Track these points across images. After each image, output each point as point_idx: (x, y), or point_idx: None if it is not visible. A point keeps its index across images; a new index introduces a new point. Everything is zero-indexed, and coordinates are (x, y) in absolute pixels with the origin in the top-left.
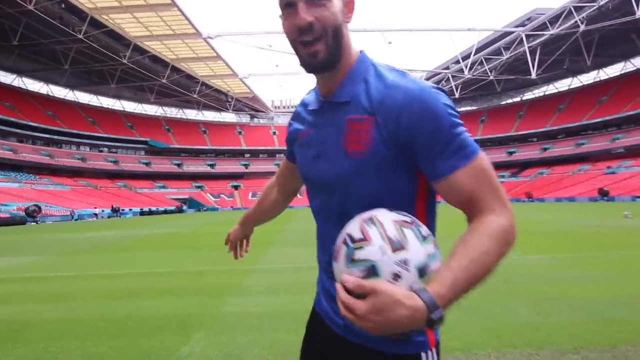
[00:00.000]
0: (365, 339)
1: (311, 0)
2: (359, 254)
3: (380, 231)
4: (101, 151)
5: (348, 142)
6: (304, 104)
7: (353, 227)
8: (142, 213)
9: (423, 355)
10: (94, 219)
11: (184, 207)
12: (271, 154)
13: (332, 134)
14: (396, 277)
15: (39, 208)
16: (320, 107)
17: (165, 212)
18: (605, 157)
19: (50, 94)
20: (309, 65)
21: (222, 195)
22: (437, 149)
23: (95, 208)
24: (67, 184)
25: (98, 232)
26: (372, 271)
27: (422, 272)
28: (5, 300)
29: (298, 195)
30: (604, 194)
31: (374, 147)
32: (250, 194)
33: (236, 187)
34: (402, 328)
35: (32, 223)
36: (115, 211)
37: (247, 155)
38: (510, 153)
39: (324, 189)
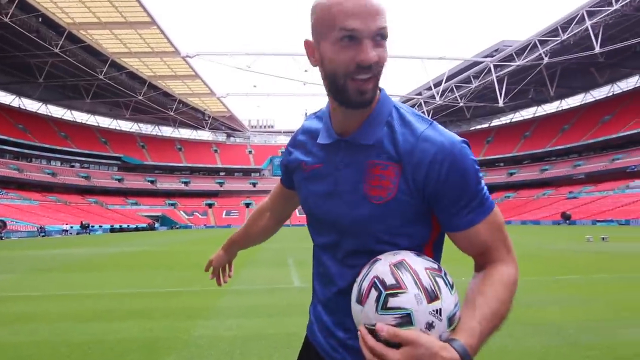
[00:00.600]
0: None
1: (377, 39)
2: (393, 302)
3: (415, 279)
4: (73, 166)
5: (369, 186)
6: (308, 133)
7: (383, 271)
8: (112, 230)
9: None
10: (62, 235)
11: (156, 225)
12: (246, 172)
13: (350, 176)
14: (430, 326)
15: (4, 223)
16: (334, 144)
17: (137, 229)
18: (567, 183)
19: (22, 107)
20: (351, 101)
21: (196, 213)
22: (461, 204)
23: (65, 224)
24: (36, 199)
25: (66, 249)
26: (406, 319)
27: (451, 321)
28: None
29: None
30: (566, 218)
31: (397, 194)
32: (224, 213)
33: (210, 205)
34: None
35: None
36: (84, 227)
37: (222, 173)
38: None
39: (335, 228)
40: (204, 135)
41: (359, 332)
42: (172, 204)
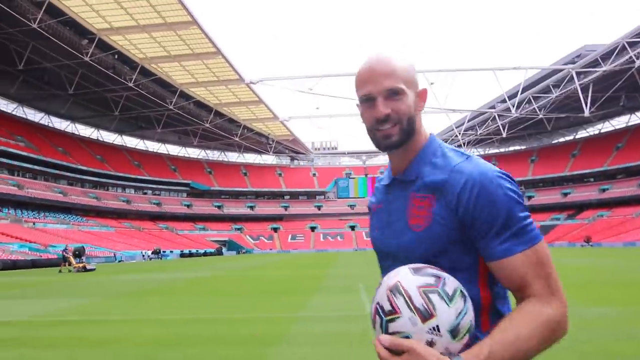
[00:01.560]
0: None
1: (389, 95)
2: (392, 327)
3: (407, 301)
4: (145, 193)
5: (411, 216)
6: (379, 180)
7: (382, 297)
8: (182, 255)
9: None
10: (137, 260)
11: (224, 250)
12: (311, 195)
13: (398, 208)
14: (430, 344)
15: (83, 249)
16: (390, 183)
17: (205, 254)
18: None
19: (100, 138)
20: (380, 146)
21: (262, 238)
22: (492, 232)
23: (142, 250)
24: (112, 226)
25: (141, 274)
26: None
27: (454, 332)
28: (52, 344)
29: (338, 238)
30: None
31: (433, 222)
32: (289, 237)
33: (275, 230)
34: None
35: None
36: (156, 253)
37: (287, 197)
38: (565, 194)
39: (389, 255)
40: (268, 159)
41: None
42: (239, 229)
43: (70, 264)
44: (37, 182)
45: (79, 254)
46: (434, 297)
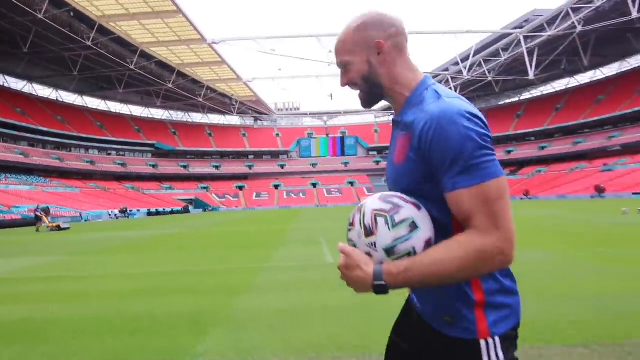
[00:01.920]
0: (429, 319)
1: (342, 69)
2: (348, 235)
3: (360, 219)
4: (109, 154)
5: (396, 153)
6: None
7: (351, 213)
8: (149, 214)
9: (482, 342)
10: (104, 219)
11: (190, 208)
12: (275, 155)
13: (392, 146)
14: (368, 255)
15: (48, 210)
16: (392, 124)
17: (172, 212)
18: (601, 155)
19: (59, 99)
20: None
21: (227, 196)
22: (445, 167)
23: (109, 210)
24: (77, 186)
25: (108, 232)
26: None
27: (389, 252)
28: (23, 299)
29: (301, 195)
30: (600, 191)
31: (407, 159)
32: (254, 194)
33: (241, 188)
34: (357, 286)
35: (43, 224)
36: (123, 212)
37: (251, 156)
38: (509, 152)
39: (388, 185)
40: (233, 120)
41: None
42: (205, 188)
43: (44, 223)
44: None
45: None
46: (380, 220)
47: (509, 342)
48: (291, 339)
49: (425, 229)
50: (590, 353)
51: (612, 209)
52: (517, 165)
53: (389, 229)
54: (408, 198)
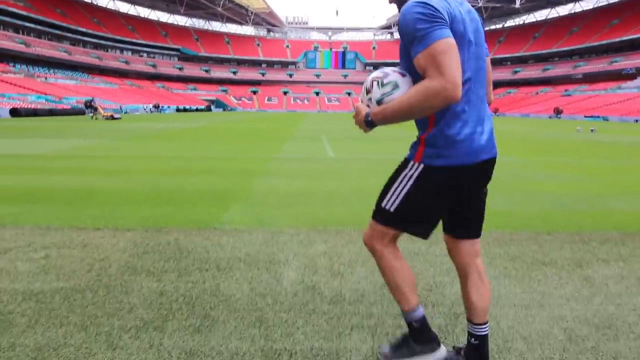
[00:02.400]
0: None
1: None
2: (359, 97)
3: (365, 83)
4: (141, 56)
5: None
6: None
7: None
8: (178, 110)
9: (410, 163)
10: (140, 112)
11: (212, 107)
12: (284, 64)
13: None
14: (368, 107)
15: (91, 102)
16: None
17: (197, 109)
18: (565, 82)
19: (93, 1)
20: None
21: (243, 99)
22: (409, 42)
23: (143, 105)
24: (115, 83)
25: (145, 123)
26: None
27: (379, 103)
28: (74, 172)
29: (305, 101)
30: (558, 112)
31: (400, 48)
32: (266, 99)
33: (254, 92)
34: (360, 125)
35: (90, 114)
36: (156, 107)
37: (264, 65)
38: None
39: None
40: (248, 30)
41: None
42: (224, 90)
43: (98, 113)
44: (42, 42)
45: (90, 104)
46: (374, 83)
47: (430, 173)
48: (300, 215)
49: (404, 88)
50: (552, 238)
51: (568, 127)
52: (492, 86)
53: (379, 87)
54: (397, 69)
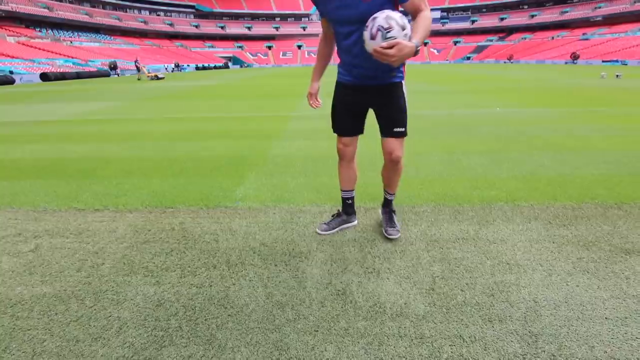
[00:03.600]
0: (384, 79)
1: None
2: (389, 35)
3: (396, 22)
4: (158, 15)
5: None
6: None
7: (382, 22)
8: (197, 68)
9: (402, 82)
10: (161, 72)
11: (229, 64)
12: (298, 17)
13: None
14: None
15: (115, 64)
16: None
17: (215, 67)
18: (583, 25)
19: None
20: None
21: (259, 54)
22: None
23: (164, 64)
24: (136, 44)
25: (167, 82)
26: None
27: (409, 38)
28: (87, 138)
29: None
30: (575, 57)
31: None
32: (281, 54)
33: (269, 47)
34: (408, 56)
35: (115, 75)
36: (177, 66)
37: (278, 19)
38: (502, 19)
39: (349, 20)
40: None
41: (374, 51)
42: (240, 47)
43: (142, 73)
44: (63, 4)
45: (114, 66)
46: (406, 20)
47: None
48: (322, 187)
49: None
50: (625, 214)
51: (590, 73)
52: (507, 31)
53: (409, 24)
54: (391, 10)
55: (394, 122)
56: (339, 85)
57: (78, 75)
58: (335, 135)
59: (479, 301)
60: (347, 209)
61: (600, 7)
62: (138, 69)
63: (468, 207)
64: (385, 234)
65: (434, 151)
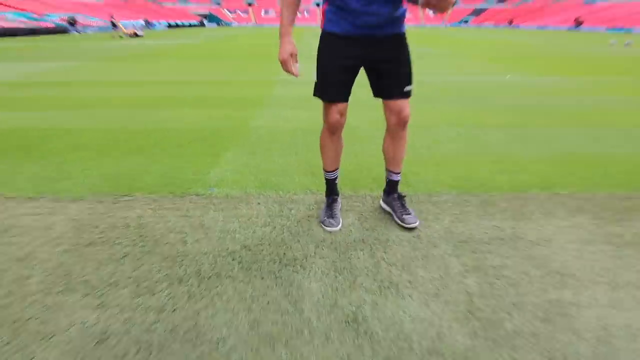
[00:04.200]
0: (392, 29)
1: None
2: None
3: None
4: None
5: None
6: None
7: None
8: (170, 26)
9: (404, 34)
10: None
11: (205, 22)
12: None
13: None
14: None
15: (74, 20)
16: None
17: (190, 25)
18: None
19: None
20: None
21: (238, 12)
22: None
23: (132, 21)
24: None
25: (131, 41)
26: None
27: None
28: (30, 105)
29: (305, 14)
30: (578, 24)
31: None
32: (262, 12)
33: (250, 4)
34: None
35: (75, 32)
36: (147, 24)
37: None
38: None
39: None
40: None
41: None
42: (217, 3)
43: (119, 30)
44: None
45: (73, 22)
46: None
47: None
48: (315, 166)
49: None
50: None
51: (597, 40)
52: None
53: None
54: None
55: (403, 79)
56: (329, 37)
57: (33, 32)
58: (322, 103)
59: (534, 330)
60: (335, 189)
61: None
62: (114, 25)
63: (498, 196)
64: (402, 223)
65: (445, 124)
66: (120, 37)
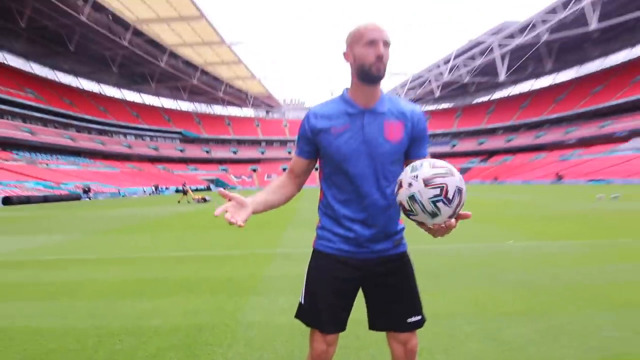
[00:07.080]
0: (390, 249)
1: (385, 44)
2: (409, 191)
3: (454, 180)
4: (144, 140)
5: (388, 134)
6: (323, 114)
7: (460, 183)
8: (177, 191)
9: (407, 252)
10: (138, 195)
11: (212, 186)
12: (283, 142)
13: (374, 129)
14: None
15: (89, 188)
16: (359, 113)
17: (197, 189)
18: (559, 147)
19: (101, 92)
20: (375, 75)
21: (243, 177)
22: (424, 142)
23: (142, 187)
24: (117, 167)
25: (138, 208)
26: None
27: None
28: (1, 294)
29: None
30: (559, 177)
31: (403, 138)
32: (265, 176)
33: (254, 170)
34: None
35: (86, 199)
36: (156, 189)
37: (264, 144)
38: (481, 143)
39: (367, 156)
40: (248, 112)
41: (444, 224)
42: (224, 169)
43: (189, 196)
44: (48, 130)
45: (87, 190)
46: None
47: None
48: None
49: None
50: None
51: (583, 195)
52: (487, 154)
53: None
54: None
55: (408, 309)
56: (323, 258)
57: (45, 199)
58: (309, 330)
59: None
60: None
61: (571, 131)
62: (185, 192)
63: None
64: None
65: (460, 314)
66: (188, 201)
